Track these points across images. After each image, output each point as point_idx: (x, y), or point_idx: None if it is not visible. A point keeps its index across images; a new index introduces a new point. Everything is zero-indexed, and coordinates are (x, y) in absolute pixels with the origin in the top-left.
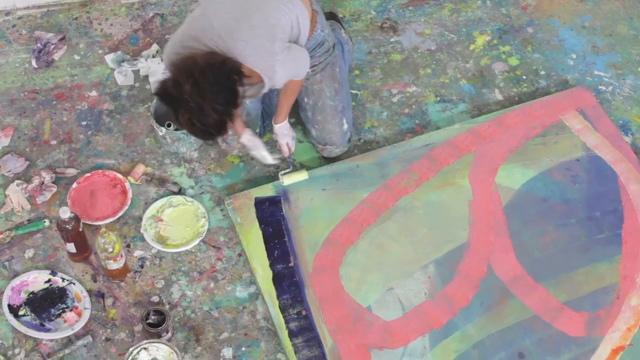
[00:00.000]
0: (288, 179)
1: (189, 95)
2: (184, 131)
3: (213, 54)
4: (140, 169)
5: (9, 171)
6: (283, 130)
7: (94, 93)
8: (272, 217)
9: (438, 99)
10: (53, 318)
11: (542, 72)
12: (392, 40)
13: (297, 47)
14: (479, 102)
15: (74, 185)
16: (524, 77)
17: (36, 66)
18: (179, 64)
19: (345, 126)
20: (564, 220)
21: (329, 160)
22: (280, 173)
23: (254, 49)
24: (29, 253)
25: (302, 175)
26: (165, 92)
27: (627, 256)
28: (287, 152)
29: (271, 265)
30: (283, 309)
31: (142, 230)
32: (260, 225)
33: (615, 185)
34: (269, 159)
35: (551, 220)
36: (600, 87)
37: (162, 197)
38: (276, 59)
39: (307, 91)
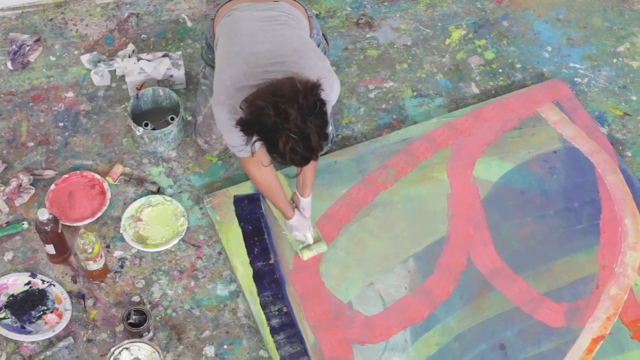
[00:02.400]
0: (308, 253)
1: (294, 122)
2: (162, 130)
3: (295, 78)
4: (119, 169)
5: None
6: (309, 204)
7: (70, 94)
8: (251, 214)
9: (415, 93)
10: (34, 320)
11: (518, 65)
12: (368, 36)
13: None
14: (455, 96)
15: (52, 186)
16: (500, 70)
17: (12, 68)
18: (275, 94)
19: (330, 128)
20: (542, 211)
21: None
22: (298, 248)
23: (311, 69)
24: (8, 255)
25: (322, 248)
26: (261, 119)
27: (605, 246)
28: (310, 227)
29: (251, 263)
30: (264, 306)
31: (121, 231)
32: (239, 223)
33: (592, 176)
34: (309, 238)
35: (529, 212)
36: (575, 79)
37: (140, 197)
38: (332, 75)
39: None
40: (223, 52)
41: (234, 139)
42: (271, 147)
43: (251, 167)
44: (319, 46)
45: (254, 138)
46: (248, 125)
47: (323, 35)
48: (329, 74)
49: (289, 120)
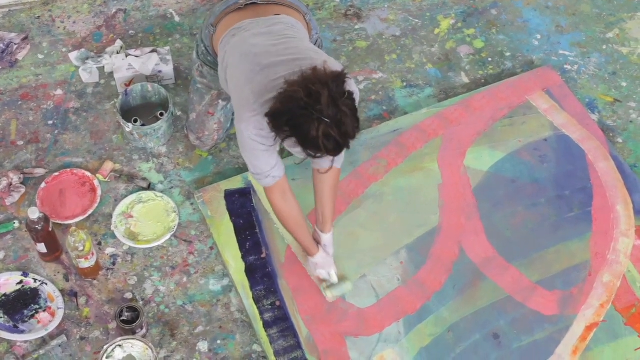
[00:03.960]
0: (333, 293)
1: (325, 103)
2: (152, 126)
3: (319, 68)
4: (109, 166)
5: None
6: (331, 240)
7: (59, 92)
8: (242, 209)
9: (404, 84)
10: (26, 319)
11: (508, 54)
12: (356, 27)
13: None
14: (445, 86)
15: (43, 185)
16: (490, 59)
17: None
18: (305, 79)
19: None
20: (533, 200)
21: None
22: (322, 287)
23: (334, 66)
24: (0, 255)
25: (347, 287)
26: (293, 103)
27: (597, 233)
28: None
29: (243, 257)
30: (257, 301)
31: (112, 228)
32: (231, 218)
33: (583, 164)
34: (334, 276)
35: (521, 200)
36: (565, 66)
37: (131, 193)
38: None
39: None
40: (238, 72)
41: (260, 162)
42: (303, 136)
43: (276, 197)
44: (316, 42)
45: (282, 136)
46: (278, 114)
47: None
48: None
49: (320, 101)
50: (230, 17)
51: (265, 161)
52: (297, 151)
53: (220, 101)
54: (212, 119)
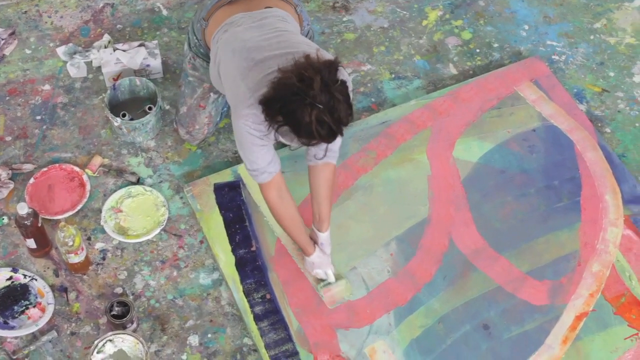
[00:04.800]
0: (330, 294)
1: (318, 88)
2: (140, 120)
3: (312, 56)
4: (97, 160)
5: None
6: (329, 239)
7: (47, 87)
8: (232, 202)
9: (393, 76)
10: (16, 315)
11: (495, 45)
12: (344, 19)
13: None
14: (433, 78)
15: (31, 180)
16: (478, 50)
17: None
18: (298, 66)
19: None
20: (522, 190)
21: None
22: (319, 286)
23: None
24: None
25: (345, 287)
26: (285, 89)
27: (586, 223)
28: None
29: (233, 251)
30: (247, 294)
31: (102, 222)
32: (220, 211)
33: (572, 154)
34: (331, 275)
35: (510, 191)
36: (553, 56)
37: (120, 188)
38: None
39: None
40: (232, 68)
41: (257, 157)
42: (296, 123)
43: (272, 195)
44: (308, 34)
45: (276, 126)
46: (271, 101)
47: None
48: None
49: (312, 87)
50: (221, 11)
51: (262, 157)
52: (292, 142)
53: (211, 94)
54: (203, 112)
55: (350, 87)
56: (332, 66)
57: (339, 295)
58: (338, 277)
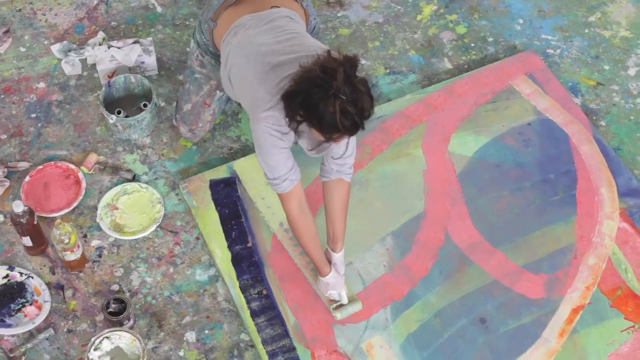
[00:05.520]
0: (343, 314)
1: (341, 79)
2: (135, 118)
3: (348, 54)
4: (93, 158)
5: None
6: (342, 259)
7: (42, 84)
8: (227, 198)
9: (388, 71)
10: (13, 313)
11: (490, 39)
12: (339, 15)
13: None
14: (428, 72)
15: (27, 178)
16: (472, 44)
17: None
18: (320, 59)
19: None
20: (518, 184)
21: None
22: (331, 307)
23: None
24: None
25: (357, 307)
26: (308, 81)
27: (582, 216)
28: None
29: (229, 247)
30: (244, 290)
31: (98, 220)
32: (216, 207)
33: (567, 147)
34: (344, 297)
35: (506, 185)
36: (548, 50)
37: (116, 185)
38: None
39: None
40: (249, 74)
41: (279, 162)
42: (319, 116)
43: (293, 207)
44: (314, 29)
45: (295, 124)
46: (294, 95)
47: None
48: None
49: (336, 77)
50: (229, 12)
51: (283, 162)
52: (310, 144)
53: (217, 92)
54: (207, 110)
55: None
56: (354, 61)
57: (351, 314)
58: (351, 299)
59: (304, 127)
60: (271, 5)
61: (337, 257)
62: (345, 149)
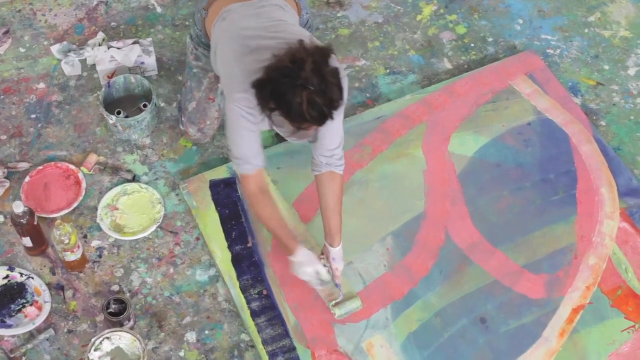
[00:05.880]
0: (341, 310)
1: (310, 70)
2: (135, 118)
3: (305, 41)
4: (93, 158)
5: None
6: (340, 253)
7: (41, 85)
8: (227, 198)
9: (387, 71)
10: (13, 314)
11: (490, 39)
12: (339, 15)
13: None
14: (428, 72)
15: (27, 179)
16: (472, 44)
17: None
18: (290, 49)
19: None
20: (518, 184)
21: (282, 138)
22: (331, 304)
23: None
24: None
25: (356, 304)
26: (277, 71)
27: (582, 216)
28: (340, 279)
29: (229, 247)
30: (244, 290)
31: (98, 220)
32: (216, 208)
33: (567, 147)
34: (324, 274)
35: (506, 185)
36: (548, 50)
37: (116, 185)
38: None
39: None
40: (228, 52)
41: (245, 143)
42: (287, 106)
43: (252, 187)
44: (307, 23)
45: (267, 112)
46: (263, 84)
47: None
48: None
49: (304, 68)
50: (221, 1)
51: (249, 144)
52: (284, 129)
53: (219, 85)
54: (213, 105)
55: (346, 80)
56: (325, 51)
57: (350, 312)
58: (350, 295)
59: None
60: None
61: (335, 251)
62: (331, 141)
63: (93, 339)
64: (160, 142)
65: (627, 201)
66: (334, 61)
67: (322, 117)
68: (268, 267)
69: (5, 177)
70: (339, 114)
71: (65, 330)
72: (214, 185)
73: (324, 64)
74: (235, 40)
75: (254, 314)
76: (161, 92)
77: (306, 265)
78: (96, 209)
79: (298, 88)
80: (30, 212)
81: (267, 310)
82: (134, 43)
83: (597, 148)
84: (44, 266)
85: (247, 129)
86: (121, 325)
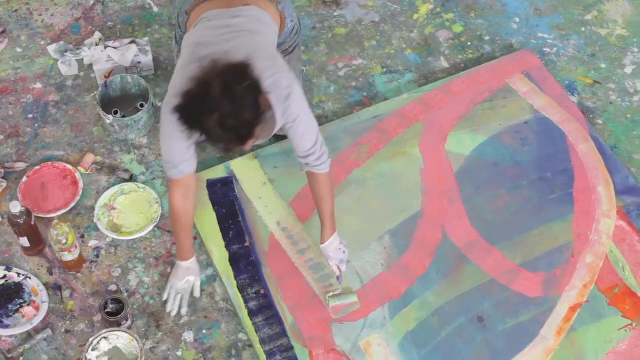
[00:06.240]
0: (335, 301)
1: (220, 93)
2: (132, 117)
3: (220, 59)
4: (90, 158)
5: None
6: (331, 248)
7: (38, 85)
8: (224, 198)
9: (384, 70)
10: (11, 314)
11: (487, 37)
12: (335, 14)
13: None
14: (425, 71)
15: (24, 178)
16: (469, 43)
17: None
18: (201, 74)
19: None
20: (515, 182)
21: (279, 137)
22: (327, 295)
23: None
24: None
25: (352, 299)
26: (189, 98)
27: (579, 214)
28: (337, 272)
29: (227, 246)
30: (241, 289)
31: (95, 220)
32: (213, 207)
33: (564, 145)
34: (196, 289)
35: (503, 183)
36: (544, 48)
37: (113, 185)
38: (281, 74)
39: None
40: (181, 59)
41: (175, 148)
42: (205, 130)
43: (176, 194)
44: (292, 30)
45: (197, 135)
46: (180, 109)
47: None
48: (277, 72)
49: (211, 91)
50: (202, 6)
51: (179, 150)
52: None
53: None
54: None
55: (281, 94)
56: (238, 68)
57: (346, 308)
58: (348, 291)
59: None
60: (243, 4)
61: (323, 247)
62: (300, 144)
63: (90, 339)
64: (157, 142)
65: (624, 199)
66: (256, 72)
67: (241, 137)
68: (265, 266)
69: (2, 177)
70: (299, 122)
71: (63, 330)
72: (211, 185)
73: (235, 82)
74: (189, 47)
75: (252, 313)
76: (158, 91)
77: (182, 275)
78: (93, 209)
79: (207, 112)
80: (27, 212)
81: (264, 309)
82: (130, 42)
83: (593, 146)
84: (41, 266)
85: (177, 137)
86: (118, 324)
